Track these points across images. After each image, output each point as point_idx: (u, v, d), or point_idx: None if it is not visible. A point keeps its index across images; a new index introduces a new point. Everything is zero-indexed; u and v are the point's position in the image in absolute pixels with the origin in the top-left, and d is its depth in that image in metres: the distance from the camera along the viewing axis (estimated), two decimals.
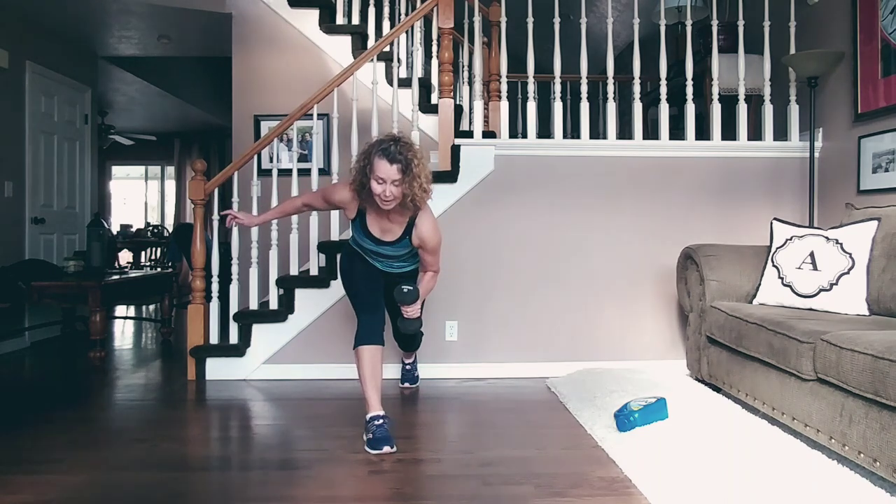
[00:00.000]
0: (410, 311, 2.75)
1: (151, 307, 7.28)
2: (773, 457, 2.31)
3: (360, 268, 2.84)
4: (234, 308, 3.76)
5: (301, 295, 3.74)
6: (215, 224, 4.09)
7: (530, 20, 3.83)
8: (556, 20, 3.85)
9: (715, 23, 3.90)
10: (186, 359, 3.76)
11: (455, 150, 3.77)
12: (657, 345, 3.86)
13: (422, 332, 3.35)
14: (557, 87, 3.91)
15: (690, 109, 3.89)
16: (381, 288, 2.86)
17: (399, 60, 4.32)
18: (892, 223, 2.89)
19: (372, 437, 2.52)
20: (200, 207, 3.73)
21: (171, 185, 11.25)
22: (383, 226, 2.72)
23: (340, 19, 4.75)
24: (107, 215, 10.64)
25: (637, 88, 3.88)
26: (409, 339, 3.31)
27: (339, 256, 3.59)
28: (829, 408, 2.30)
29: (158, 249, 9.07)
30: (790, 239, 3.08)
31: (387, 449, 2.47)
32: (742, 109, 3.91)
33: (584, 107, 3.89)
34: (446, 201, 3.74)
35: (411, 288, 2.70)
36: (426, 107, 4.42)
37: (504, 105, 3.91)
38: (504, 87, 3.96)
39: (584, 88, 3.91)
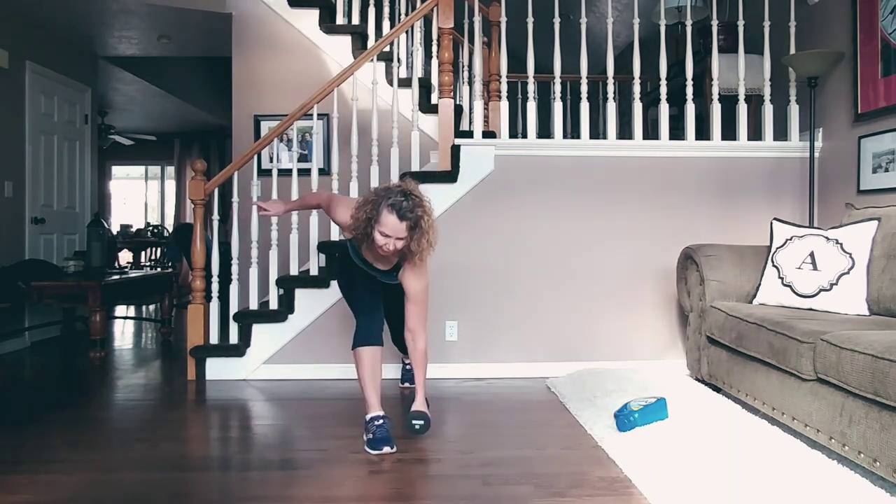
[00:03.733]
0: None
1: (151, 307, 7.28)
2: (773, 457, 2.31)
3: (357, 268, 2.84)
4: (234, 308, 3.76)
5: (301, 295, 3.74)
6: (215, 224, 4.09)
7: (530, 20, 3.83)
8: (556, 20, 3.85)
9: (715, 23, 3.90)
10: (186, 359, 3.76)
11: (455, 150, 3.77)
12: (657, 345, 3.86)
13: None
14: (557, 87, 3.91)
15: (690, 109, 3.89)
16: (379, 288, 2.84)
17: (399, 60, 4.31)
18: (892, 223, 2.89)
19: (372, 437, 2.52)
20: (200, 207, 3.73)
21: (171, 185, 11.25)
22: (375, 256, 2.64)
23: (340, 19, 4.75)
24: (107, 215, 10.64)
25: (637, 88, 3.88)
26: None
27: (336, 257, 3.59)
28: (829, 408, 2.30)
29: (158, 249, 9.07)
30: (790, 239, 3.08)
31: (387, 449, 2.47)
32: (742, 109, 3.91)
33: (584, 107, 3.89)
34: (446, 201, 3.74)
35: (420, 422, 2.60)
36: (426, 107, 4.42)
37: (504, 105, 3.91)
38: (504, 87, 3.96)
39: (584, 88, 3.91)
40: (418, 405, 2.65)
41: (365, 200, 2.48)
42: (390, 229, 2.38)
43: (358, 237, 2.54)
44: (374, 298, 2.78)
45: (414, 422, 2.61)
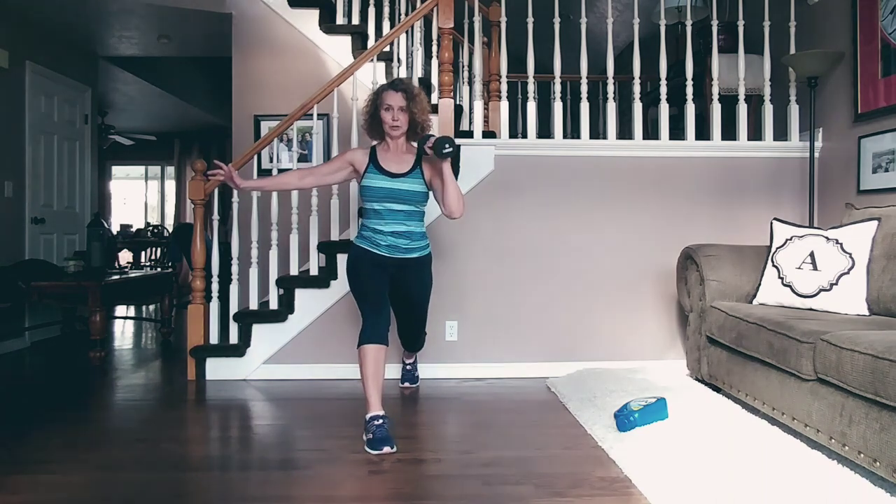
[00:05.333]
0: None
1: (151, 307, 7.28)
2: (773, 457, 2.31)
3: (367, 267, 2.85)
4: (234, 308, 3.76)
5: (301, 295, 3.74)
6: (215, 224, 4.09)
7: (530, 20, 3.83)
8: (556, 20, 3.85)
9: (715, 23, 3.90)
10: (186, 359, 3.76)
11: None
12: (657, 345, 3.86)
13: (425, 332, 3.35)
14: (557, 87, 3.91)
15: (690, 109, 3.89)
16: (387, 288, 2.86)
17: (399, 60, 4.32)
18: (892, 223, 2.89)
19: (372, 437, 2.52)
20: (200, 207, 3.73)
21: (171, 185, 11.25)
22: (395, 159, 2.87)
23: (340, 19, 4.75)
24: (107, 215, 10.64)
25: (637, 88, 3.88)
26: (414, 339, 3.31)
27: (345, 257, 3.60)
28: (829, 408, 2.30)
29: (158, 249, 9.06)
30: (790, 239, 3.08)
31: (387, 449, 2.47)
32: (742, 109, 3.91)
33: (584, 107, 3.89)
34: None
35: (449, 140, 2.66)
36: None
37: (504, 105, 3.91)
38: (504, 87, 3.96)
39: (584, 88, 3.91)
40: None
41: (368, 96, 2.97)
42: (391, 100, 2.82)
43: (372, 130, 2.93)
44: (382, 297, 2.80)
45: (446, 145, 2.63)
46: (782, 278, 3.03)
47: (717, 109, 3.89)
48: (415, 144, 2.91)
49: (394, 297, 2.95)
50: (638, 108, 3.88)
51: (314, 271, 3.78)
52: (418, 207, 2.89)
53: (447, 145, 2.63)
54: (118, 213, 11.25)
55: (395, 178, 2.83)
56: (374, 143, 2.99)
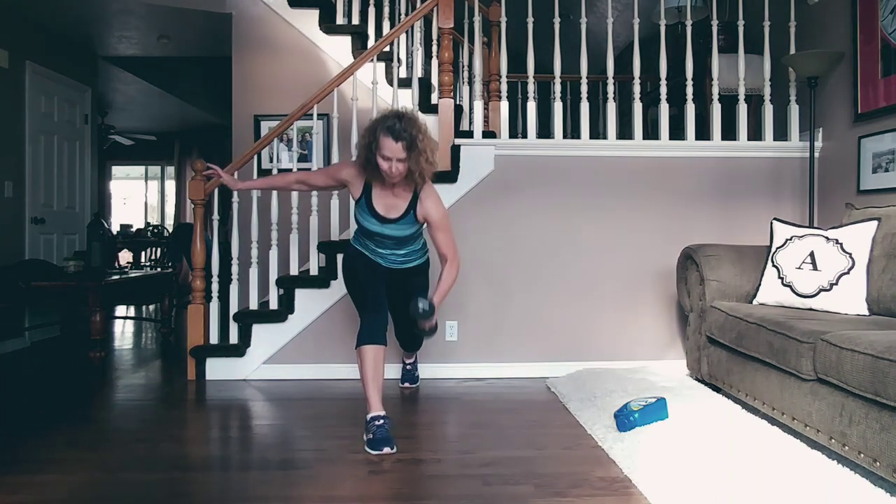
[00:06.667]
0: (428, 325, 2.71)
1: (151, 307, 7.28)
2: (773, 457, 2.31)
3: (364, 267, 2.84)
4: (234, 308, 3.76)
5: (301, 295, 3.74)
6: (215, 224, 4.09)
7: (530, 20, 3.83)
8: (556, 20, 3.85)
9: (715, 23, 3.89)
10: (186, 359, 3.76)
11: (455, 150, 3.77)
12: (657, 345, 3.86)
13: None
14: (557, 87, 3.91)
15: (690, 109, 3.89)
16: (384, 287, 2.86)
17: (399, 60, 4.31)
18: (892, 223, 2.89)
19: (372, 437, 2.52)
20: (200, 207, 3.73)
21: (171, 185, 11.25)
22: (388, 201, 2.76)
23: (340, 19, 4.75)
24: (107, 215, 10.64)
25: (637, 88, 3.88)
26: (412, 340, 3.31)
27: (341, 257, 3.60)
28: (829, 408, 2.30)
29: (158, 249, 9.06)
30: (790, 239, 3.08)
31: (387, 450, 2.47)
32: (742, 109, 3.91)
33: (584, 107, 3.89)
34: (446, 201, 3.69)
35: (426, 304, 2.62)
36: (426, 107, 4.40)
37: (504, 105, 3.91)
38: (504, 87, 3.96)
39: (584, 88, 3.91)
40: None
41: (364, 129, 2.66)
42: (389, 151, 2.54)
43: (368, 173, 2.69)
44: (379, 298, 2.80)
45: (420, 305, 2.59)
46: (782, 278, 3.03)
47: (717, 109, 3.89)
48: (411, 186, 2.71)
49: (390, 299, 2.94)
50: (638, 108, 3.88)
51: (314, 271, 3.78)
52: (413, 236, 2.87)
53: (421, 310, 2.59)
54: (118, 213, 11.25)
55: (386, 224, 2.77)
56: None
